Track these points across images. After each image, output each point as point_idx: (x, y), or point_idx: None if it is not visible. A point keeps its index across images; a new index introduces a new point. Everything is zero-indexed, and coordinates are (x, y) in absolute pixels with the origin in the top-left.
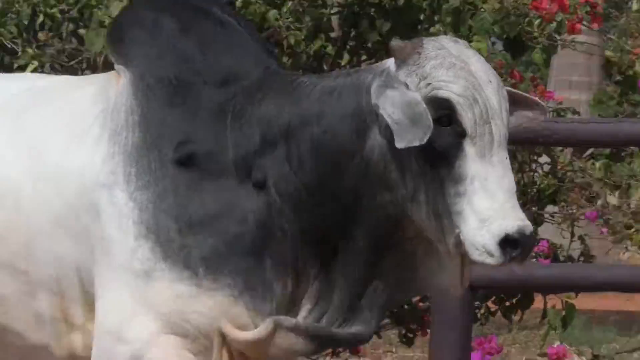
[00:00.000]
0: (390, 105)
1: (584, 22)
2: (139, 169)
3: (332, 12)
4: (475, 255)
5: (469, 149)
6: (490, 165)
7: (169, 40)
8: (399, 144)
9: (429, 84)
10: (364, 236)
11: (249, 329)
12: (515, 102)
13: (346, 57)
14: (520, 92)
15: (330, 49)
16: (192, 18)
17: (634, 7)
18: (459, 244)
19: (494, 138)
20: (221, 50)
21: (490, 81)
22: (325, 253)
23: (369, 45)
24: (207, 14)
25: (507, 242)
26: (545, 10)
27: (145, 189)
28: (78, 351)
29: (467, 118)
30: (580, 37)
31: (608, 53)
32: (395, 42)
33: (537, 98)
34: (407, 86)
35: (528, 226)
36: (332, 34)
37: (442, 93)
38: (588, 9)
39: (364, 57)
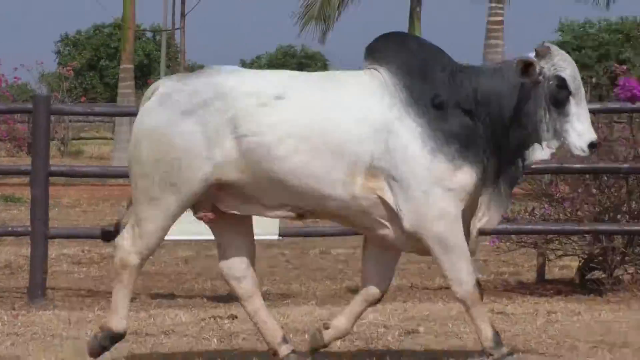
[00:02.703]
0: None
1: None
2: (415, 109)
3: None
4: (575, 150)
5: (572, 100)
6: (581, 108)
7: (413, 51)
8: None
9: (555, 68)
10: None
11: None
12: None
13: None
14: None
15: None
16: (422, 42)
17: None
18: (563, 144)
19: (582, 95)
20: (439, 55)
21: (576, 68)
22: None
23: None
24: (426, 42)
25: (591, 145)
26: None
27: (422, 117)
28: (357, 193)
29: (572, 85)
30: None
31: None
32: (539, 48)
33: None
34: (543, 68)
35: (597, 138)
36: None
37: (562, 73)
38: None
39: None
